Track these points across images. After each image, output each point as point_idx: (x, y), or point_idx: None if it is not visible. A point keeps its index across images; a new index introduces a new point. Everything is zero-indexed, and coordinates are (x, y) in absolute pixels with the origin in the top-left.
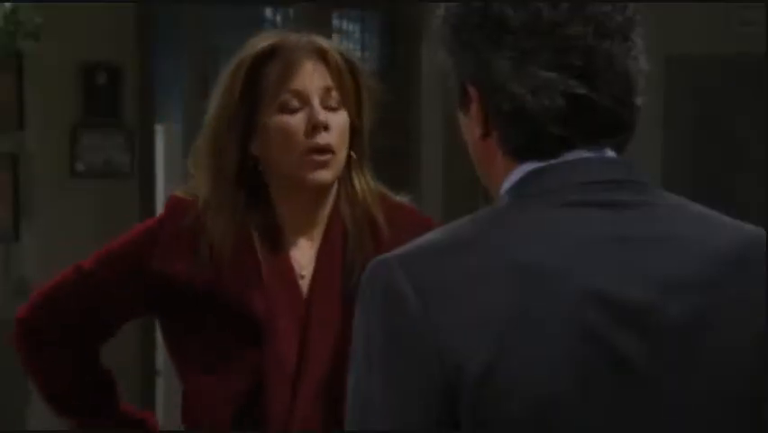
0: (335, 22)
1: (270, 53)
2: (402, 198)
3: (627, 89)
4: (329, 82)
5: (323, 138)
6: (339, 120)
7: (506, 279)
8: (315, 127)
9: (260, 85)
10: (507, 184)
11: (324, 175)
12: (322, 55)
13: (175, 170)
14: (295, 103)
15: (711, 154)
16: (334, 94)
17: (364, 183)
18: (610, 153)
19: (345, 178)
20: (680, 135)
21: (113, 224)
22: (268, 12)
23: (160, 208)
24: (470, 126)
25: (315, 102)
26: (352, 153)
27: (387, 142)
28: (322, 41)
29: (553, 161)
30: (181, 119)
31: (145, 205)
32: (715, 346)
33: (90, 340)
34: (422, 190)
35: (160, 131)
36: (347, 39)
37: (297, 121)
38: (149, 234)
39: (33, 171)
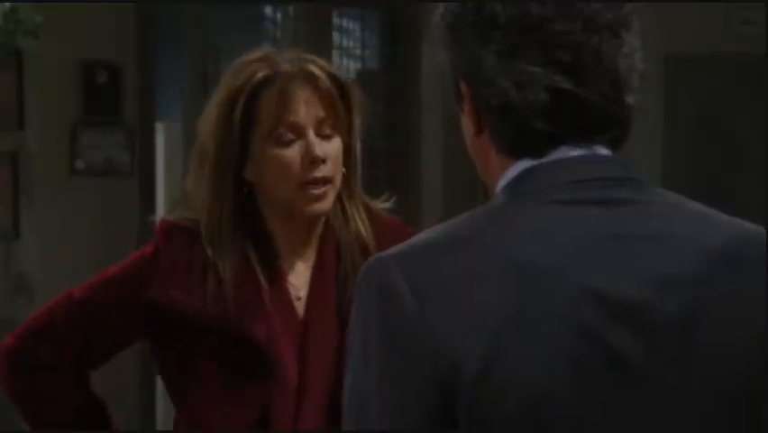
0: (335, 20)
1: (264, 83)
2: (384, 204)
3: (617, 86)
4: (322, 112)
5: (320, 171)
6: (333, 148)
7: (501, 277)
8: (313, 161)
9: (255, 115)
10: (502, 182)
11: (322, 207)
12: (314, 83)
13: (175, 169)
14: (290, 135)
15: (711, 154)
16: (328, 121)
17: (353, 206)
18: (603, 151)
19: (336, 196)
20: (680, 135)
21: (113, 222)
22: (268, 10)
23: (160, 207)
24: (465, 124)
25: (311, 134)
26: (344, 170)
27: (387, 141)
28: (312, 67)
29: (545, 159)
30: (181, 117)
31: (145, 203)
32: (710, 344)
33: (83, 368)
34: (422, 190)
35: (160, 129)
36: (347, 37)
37: (293, 153)
38: (145, 260)
39: (33, 170)
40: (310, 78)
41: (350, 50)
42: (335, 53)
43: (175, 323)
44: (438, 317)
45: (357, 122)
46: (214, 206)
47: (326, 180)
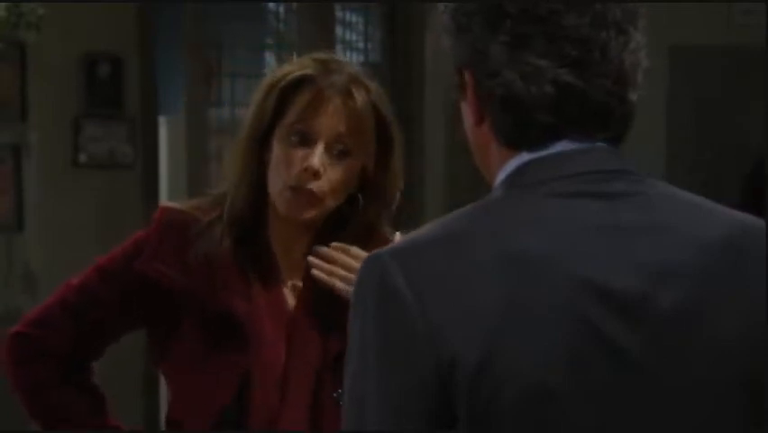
0: (338, 13)
1: (302, 82)
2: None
3: (621, 83)
4: (344, 128)
5: (312, 184)
6: (341, 169)
7: (499, 271)
8: (306, 170)
9: (285, 107)
10: (501, 175)
11: (303, 213)
12: (347, 96)
13: (178, 161)
14: (302, 140)
15: (712, 145)
16: (348, 140)
17: (371, 242)
18: (603, 145)
19: (350, 216)
20: (681, 133)
21: (116, 215)
22: (270, 3)
23: (163, 200)
24: (466, 114)
25: (320, 147)
26: (360, 197)
27: None
28: (355, 83)
29: (545, 152)
30: (184, 110)
31: (148, 196)
32: (708, 335)
33: (84, 355)
34: (425, 183)
35: (162, 122)
36: (350, 30)
37: (296, 157)
38: (137, 242)
39: (36, 162)
40: (346, 92)
41: (352, 44)
42: (338, 47)
43: (162, 298)
44: (437, 313)
45: (392, 150)
46: (235, 179)
47: (312, 194)
